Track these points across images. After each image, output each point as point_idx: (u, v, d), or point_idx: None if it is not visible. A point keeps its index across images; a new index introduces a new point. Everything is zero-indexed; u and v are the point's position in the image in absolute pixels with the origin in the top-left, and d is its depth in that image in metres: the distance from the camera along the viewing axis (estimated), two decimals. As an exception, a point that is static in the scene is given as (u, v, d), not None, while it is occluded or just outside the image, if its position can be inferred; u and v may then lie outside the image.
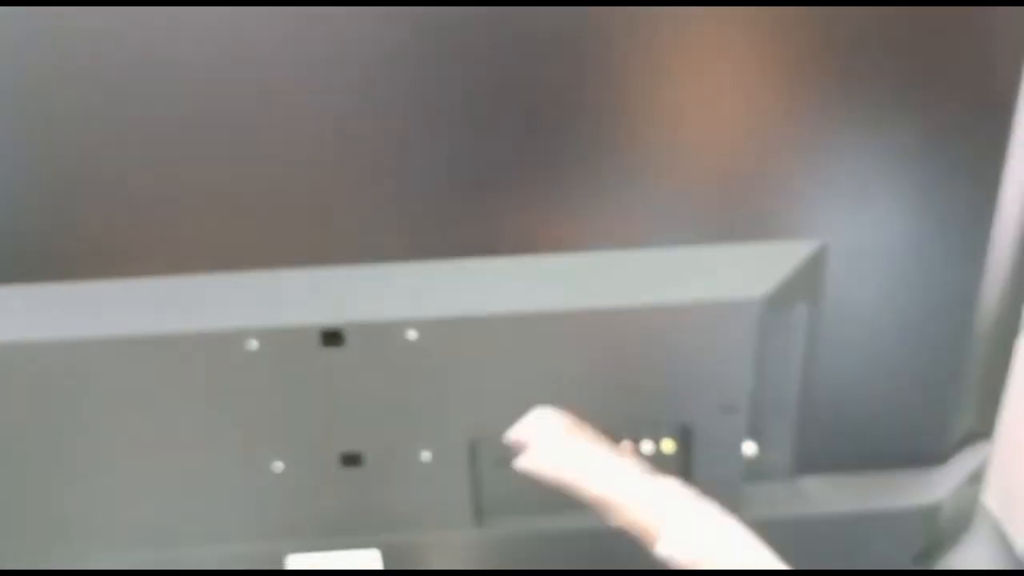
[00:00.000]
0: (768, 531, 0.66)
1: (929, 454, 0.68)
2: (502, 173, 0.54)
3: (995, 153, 0.56)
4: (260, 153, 0.53)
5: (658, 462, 0.63)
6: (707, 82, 0.52)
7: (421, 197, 0.54)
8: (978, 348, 0.64)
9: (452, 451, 0.60)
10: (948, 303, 0.61)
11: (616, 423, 0.61)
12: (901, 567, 0.68)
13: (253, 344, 0.55)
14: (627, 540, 0.65)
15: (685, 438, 0.61)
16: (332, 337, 0.55)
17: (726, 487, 0.63)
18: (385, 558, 0.66)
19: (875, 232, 0.57)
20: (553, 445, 0.52)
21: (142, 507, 0.62)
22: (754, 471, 0.65)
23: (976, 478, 0.70)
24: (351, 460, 0.60)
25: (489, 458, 0.62)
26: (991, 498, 0.74)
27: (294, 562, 0.65)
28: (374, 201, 0.54)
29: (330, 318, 0.55)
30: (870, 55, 0.52)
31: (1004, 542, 0.73)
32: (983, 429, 0.70)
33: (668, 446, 0.62)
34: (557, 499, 0.64)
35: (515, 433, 0.53)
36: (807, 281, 0.57)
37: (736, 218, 0.56)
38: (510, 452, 0.62)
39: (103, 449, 0.59)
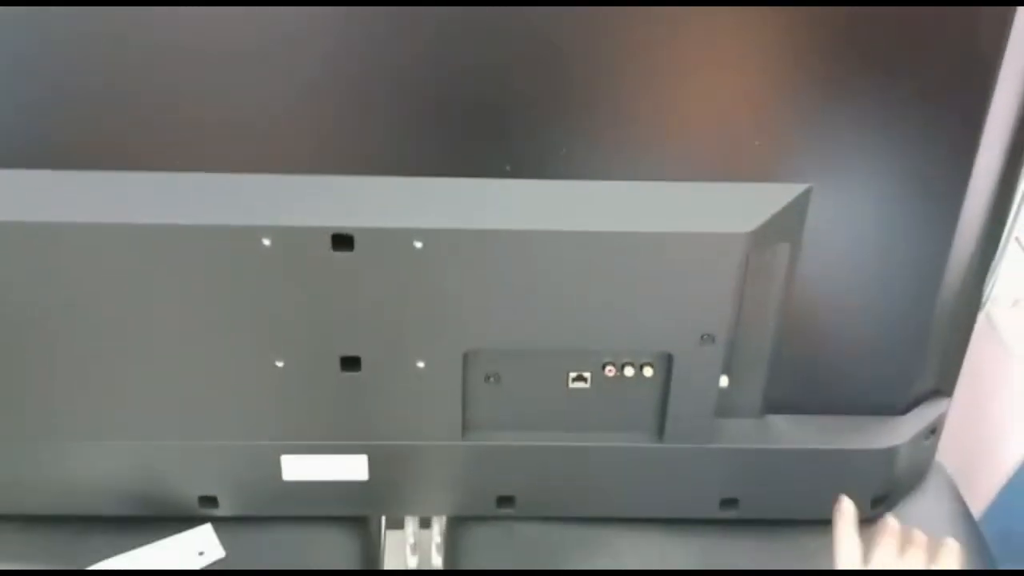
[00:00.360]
0: (736, 460, 0.70)
1: (889, 405, 0.72)
2: (515, 102, 0.58)
3: (975, 120, 0.60)
4: (288, 65, 0.56)
5: (638, 385, 0.67)
6: (714, 35, 0.56)
7: (435, 118, 0.58)
8: (944, 310, 0.68)
9: (446, 361, 0.64)
10: (919, 264, 0.65)
11: (602, 346, 0.65)
12: (860, 507, 0.72)
13: (267, 241, 0.58)
14: (601, 455, 0.69)
15: (666, 365, 0.65)
16: (342, 241, 0.59)
17: (700, 416, 0.67)
18: (371, 464, 0.69)
19: (857, 183, 0.61)
20: None
21: (147, 397, 0.65)
22: (725, 407, 0.69)
23: (932, 433, 0.75)
24: (350, 364, 0.64)
25: (479, 372, 0.66)
26: (946, 453, 0.79)
27: (287, 463, 0.68)
28: (390, 119, 0.58)
29: (342, 222, 0.58)
30: (868, 13, 0.56)
31: (956, 496, 0.78)
32: (942, 388, 0.74)
33: (648, 372, 0.66)
34: (536, 418, 0.68)
35: None
36: (791, 221, 0.61)
37: (729, 160, 0.59)
38: (498, 367, 0.66)
39: (118, 334, 0.62)
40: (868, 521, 0.73)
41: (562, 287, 0.61)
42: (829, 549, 0.72)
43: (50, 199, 0.58)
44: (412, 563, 0.85)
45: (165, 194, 0.58)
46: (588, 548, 0.72)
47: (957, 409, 0.76)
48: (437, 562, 0.68)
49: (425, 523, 0.71)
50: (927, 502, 0.77)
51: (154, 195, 0.58)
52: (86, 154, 0.58)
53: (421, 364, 0.64)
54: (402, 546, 0.86)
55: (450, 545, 0.72)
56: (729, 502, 0.72)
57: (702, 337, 0.63)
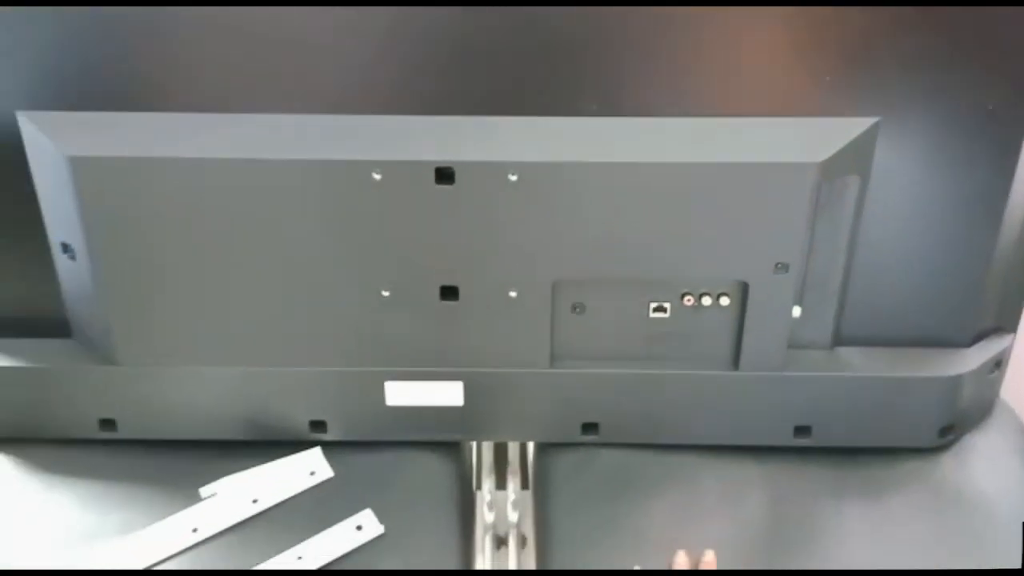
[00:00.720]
0: (808, 388, 0.74)
1: (954, 339, 0.75)
2: (600, 48, 0.63)
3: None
4: (396, 16, 0.62)
5: (716, 315, 0.71)
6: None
7: (531, 61, 0.63)
8: (1006, 246, 0.72)
9: (536, 291, 0.69)
10: (981, 200, 0.69)
11: (682, 276, 0.70)
12: (927, 436, 0.76)
13: (377, 175, 0.64)
14: (679, 383, 0.73)
15: (741, 294, 0.70)
16: (445, 175, 0.64)
17: (774, 344, 0.72)
18: (466, 391, 0.74)
19: (923, 119, 0.65)
20: None
21: (265, 325, 0.71)
22: (798, 338, 0.73)
23: (997, 366, 0.78)
24: (449, 293, 0.69)
25: (566, 302, 0.71)
26: (1010, 390, 0.82)
27: (390, 389, 0.74)
28: (489, 62, 0.63)
29: (445, 157, 0.64)
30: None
31: (1020, 432, 0.81)
32: (1005, 325, 0.78)
33: (725, 301, 0.70)
34: (618, 347, 0.73)
35: None
36: (860, 154, 0.65)
37: (801, 95, 0.64)
38: (584, 297, 0.71)
39: (239, 265, 0.68)
40: (936, 449, 0.77)
41: (645, 218, 0.66)
42: (896, 478, 0.76)
43: (177, 137, 0.64)
44: (489, 519, 0.90)
45: (284, 133, 0.64)
46: (666, 474, 0.76)
47: (1022, 346, 0.79)
48: (513, 518, 0.73)
49: (501, 483, 0.76)
50: (992, 436, 0.80)
51: (274, 134, 0.64)
52: (208, 98, 0.64)
53: (513, 294, 0.69)
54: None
55: (538, 471, 0.77)
56: (802, 430, 0.76)
57: (776, 266, 0.68)
